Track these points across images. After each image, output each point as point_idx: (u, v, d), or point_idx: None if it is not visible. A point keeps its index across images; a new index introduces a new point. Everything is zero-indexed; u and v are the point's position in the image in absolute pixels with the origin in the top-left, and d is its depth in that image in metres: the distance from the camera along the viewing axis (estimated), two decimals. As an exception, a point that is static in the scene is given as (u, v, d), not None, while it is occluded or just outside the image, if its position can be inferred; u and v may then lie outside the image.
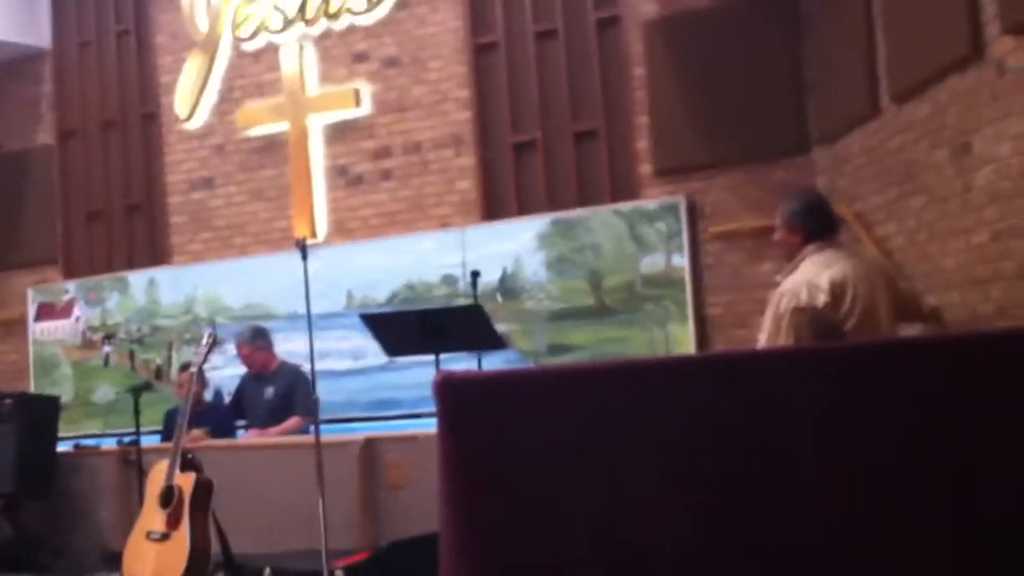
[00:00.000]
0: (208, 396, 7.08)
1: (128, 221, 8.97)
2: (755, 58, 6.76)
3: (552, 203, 7.43)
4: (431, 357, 5.15)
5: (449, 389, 2.46)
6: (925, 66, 5.08)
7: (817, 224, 4.43)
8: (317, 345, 4.93)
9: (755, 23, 6.80)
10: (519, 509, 2.50)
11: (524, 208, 7.52)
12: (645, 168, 7.20)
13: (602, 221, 7.09)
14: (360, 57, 8.11)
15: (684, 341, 6.73)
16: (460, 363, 5.81)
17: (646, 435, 2.44)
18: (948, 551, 2.29)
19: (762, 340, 4.29)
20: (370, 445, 5.61)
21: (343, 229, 8.09)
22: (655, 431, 2.44)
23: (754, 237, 6.72)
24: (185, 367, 5.95)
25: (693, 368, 2.67)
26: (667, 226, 6.91)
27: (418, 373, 6.71)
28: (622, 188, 7.26)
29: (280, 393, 6.56)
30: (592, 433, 2.46)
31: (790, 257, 4.49)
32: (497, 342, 5.20)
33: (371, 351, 6.83)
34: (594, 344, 6.97)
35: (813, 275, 4.27)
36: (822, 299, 4.20)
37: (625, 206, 7.10)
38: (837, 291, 4.22)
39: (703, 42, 6.95)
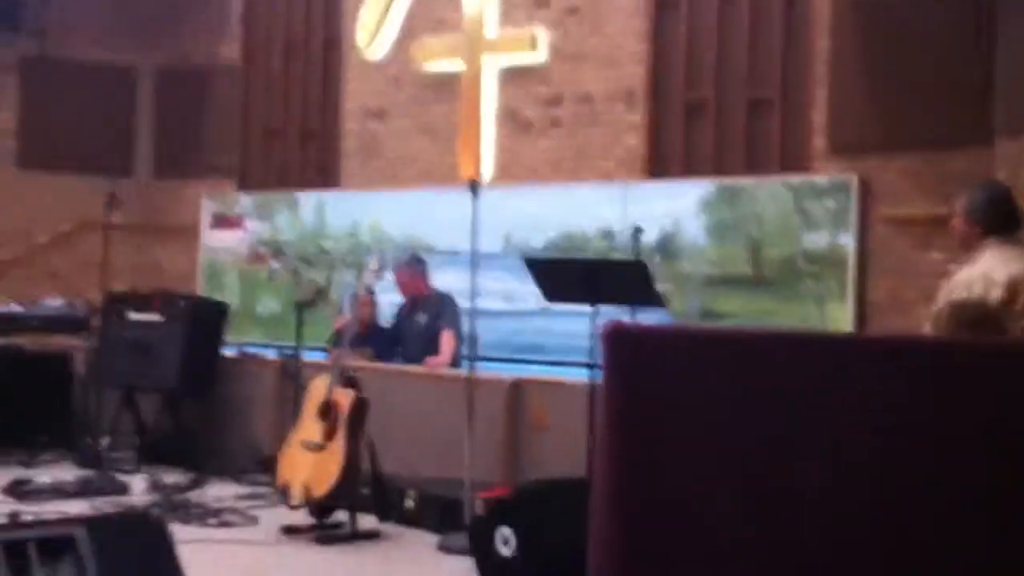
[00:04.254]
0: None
1: (303, 143, 9.29)
2: (945, 42, 6.55)
3: (719, 168, 7.40)
4: (579, 307, 5.21)
5: (618, 338, 2.52)
6: None
7: (1000, 218, 4.30)
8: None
9: (950, 7, 6.59)
10: (674, 460, 2.58)
11: (690, 170, 7.51)
12: (819, 142, 7.08)
13: (769, 192, 7.02)
14: (541, 3, 8.16)
15: (841, 322, 6.64)
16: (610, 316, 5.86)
17: (798, 404, 2.49)
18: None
19: (927, 328, 4.23)
20: (517, 386, 5.75)
21: (507, 172, 8.21)
22: (806, 402, 2.48)
23: (926, 224, 6.55)
24: (364, 290, 6.23)
25: (852, 347, 2.68)
26: (836, 203, 6.79)
27: (567, 321, 6.81)
28: (792, 160, 7.18)
29: (431, 319, 6.73)
30: (747, 395, 2.51)
31: (965, 248, 4.38)
32: (656, 300, 5.24)
33: (524, 295, 6.96)
34: (747, 313, 6.93)
35: (990, 269, 4.17)
36: (997, 294, 4.11)
37: (794, 178, 7.02)
38: (1014, 288, 4.12)
39: (893, 20, 6.77)
